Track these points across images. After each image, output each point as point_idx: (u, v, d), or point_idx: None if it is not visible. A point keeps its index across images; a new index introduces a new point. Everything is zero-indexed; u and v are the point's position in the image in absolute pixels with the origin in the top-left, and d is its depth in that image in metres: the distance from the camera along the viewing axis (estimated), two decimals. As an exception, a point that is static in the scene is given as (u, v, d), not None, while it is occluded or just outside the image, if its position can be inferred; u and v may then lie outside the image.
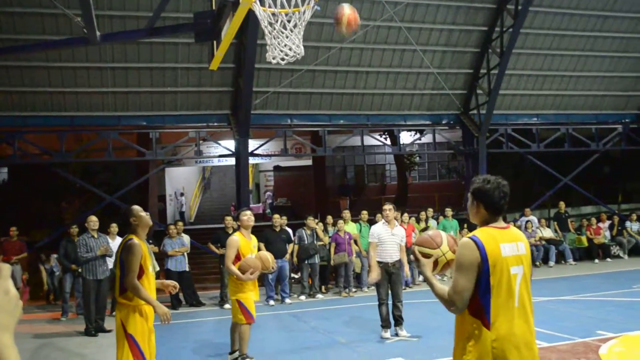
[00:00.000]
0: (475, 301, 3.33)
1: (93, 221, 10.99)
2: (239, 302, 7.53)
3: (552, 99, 20.57)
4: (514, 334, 3.30)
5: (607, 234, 19.10)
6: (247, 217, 7.83)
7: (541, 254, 17.92)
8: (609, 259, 18.49)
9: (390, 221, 9.09)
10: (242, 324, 7.58)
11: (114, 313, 12.25)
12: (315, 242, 14.25)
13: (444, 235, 3.76)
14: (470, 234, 3.50)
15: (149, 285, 5.46)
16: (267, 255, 7.96)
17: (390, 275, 9.07)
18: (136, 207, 5.66)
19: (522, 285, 3.39)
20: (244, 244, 7.66)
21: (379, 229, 9.15)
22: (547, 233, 18.41)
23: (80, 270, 11.40)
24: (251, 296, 7.64)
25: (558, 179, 20.93)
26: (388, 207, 9.13)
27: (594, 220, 19.27)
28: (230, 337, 7.94)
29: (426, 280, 3.63)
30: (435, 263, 3.67)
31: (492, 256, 3.33)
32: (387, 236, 9.02)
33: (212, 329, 10.70)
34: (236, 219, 7.95)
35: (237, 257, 7.55)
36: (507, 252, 3.39)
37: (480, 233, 3.47)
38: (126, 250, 5.35)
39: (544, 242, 18.08)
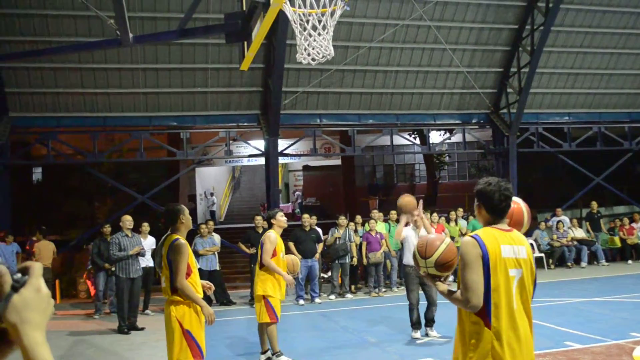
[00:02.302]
0: None
1: (129, 220, 11.12)
2: (267, 300, 7.59)
3: (583, 98, 20.32)
4: (513, 336, 3.35)
5: (641, 234, 18.78)
6: (285, 218, 8.05)
7: (573, 255, 17.70)
8: (642, 260, 18.18)
9: (418, 225, 9.02)
10: (268, 324, 7.64)
11: (146, 311, 12.56)
12: (347, 242, 14.22)
13: (442, 246, 3.72)
14: (472, 233, 3.56)
15: (196, 283, 5.51)
16: (297, 260, 8.23)
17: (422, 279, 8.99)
18: (185, 208, 5.68)
19: (517, 288, 3.43)
20: (279, 242, 7.81)
21: (407, 232, 9.08)
22: (579, 233, 18.17)
23: (113, 269, 11.56)
24: (278, 296, 7.72)
25: (590, 178, 20.66)
26: (416, 212, 9.06)
27: (626, 220, 18.96)
28: (259, 338, 8.00)
29: (440, 292, 3.71)
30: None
31: (493, 255, 3.39)
32: (415, 239, 8.95)
33: (242, 328, 10.75)
34: (272, 218, 7.97)
35: (273, 254, 7.66)
36: (506, 254, 3.43)
37: (482, 232, 3.53)
38: (175, 250, 5.34)
39: (575, 243, 17.85)
